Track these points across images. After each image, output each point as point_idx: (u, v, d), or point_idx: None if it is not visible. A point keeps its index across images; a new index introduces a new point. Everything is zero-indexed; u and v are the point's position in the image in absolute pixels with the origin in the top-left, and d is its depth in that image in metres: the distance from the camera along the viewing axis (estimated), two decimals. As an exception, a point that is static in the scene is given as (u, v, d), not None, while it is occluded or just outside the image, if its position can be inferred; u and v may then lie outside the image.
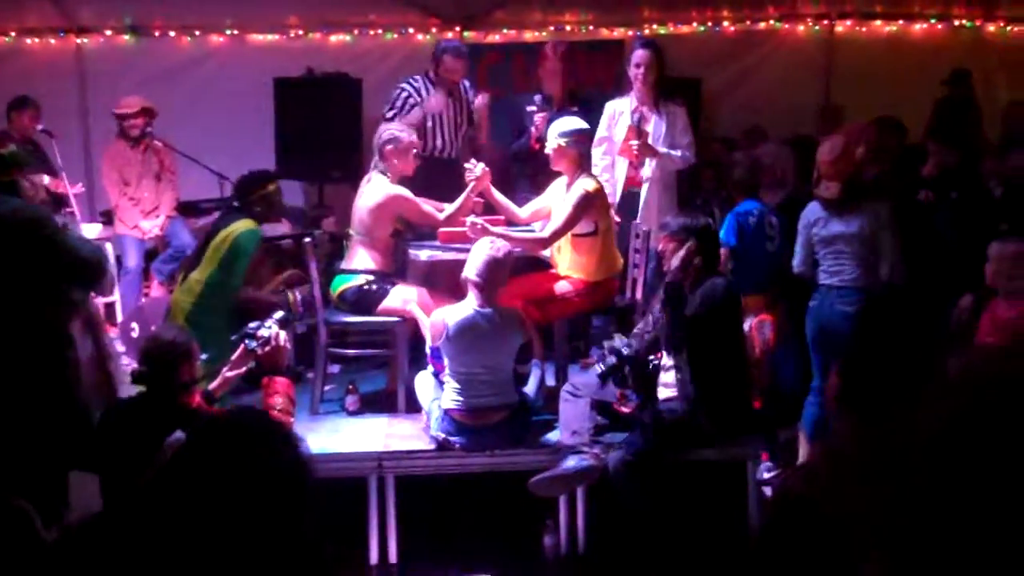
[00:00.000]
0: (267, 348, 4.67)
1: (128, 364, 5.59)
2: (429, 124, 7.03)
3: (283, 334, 4.72)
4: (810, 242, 5.69)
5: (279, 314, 4.89)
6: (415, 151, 6.12)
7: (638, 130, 6.48)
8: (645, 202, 6.53)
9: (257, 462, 3.25)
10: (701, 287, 5.18)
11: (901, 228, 5.63)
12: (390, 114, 6.89)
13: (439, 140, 7.08)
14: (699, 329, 5.13)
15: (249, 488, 2.96)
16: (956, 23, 8.91)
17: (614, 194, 6.57)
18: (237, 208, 6.09)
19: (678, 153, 6.59)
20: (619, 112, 6.67)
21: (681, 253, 5.20)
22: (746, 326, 5.82)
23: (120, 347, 6.37)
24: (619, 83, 7.22)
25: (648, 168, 6.59)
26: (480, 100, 7.22)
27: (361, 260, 6.01)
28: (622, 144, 6.55)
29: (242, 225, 5.94)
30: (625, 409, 5.47)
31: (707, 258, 5.26)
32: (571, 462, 5.18)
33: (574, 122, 6.08)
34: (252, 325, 4.69)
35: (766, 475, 5.65)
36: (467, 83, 7.22)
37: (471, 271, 5.36)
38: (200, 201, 7.95)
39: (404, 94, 6.98)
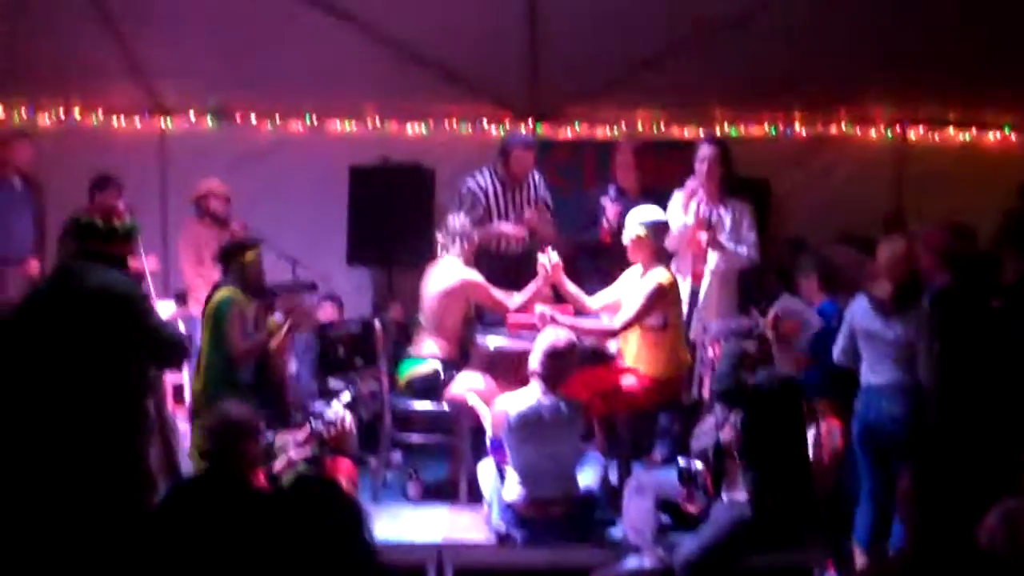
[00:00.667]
0: (333, 431, 4.70)
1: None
2: (493, 217, 7.08)
3: (349, 416, 4.75)
4: (852, 332, 5.63)
5: (346, 396, 4.94)
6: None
7: (708, 222, 6.50)
8: (705, 298, 6.53)
9: (330, 529, 3.29)
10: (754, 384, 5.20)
11: (976, 336, 5.56)
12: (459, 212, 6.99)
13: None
14: (754, 425, 5.11)
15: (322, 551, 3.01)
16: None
17: None
18: (222, 279, 6.23)
19: (744, 250, 6.60)
20: (687, 204, 6.69)
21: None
22: (814, 431, 5.79)
23: (183, 424, 6.42)
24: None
25: (712, 262, 6.59)
26: (530, 215, 7.19)
27: (429, 346, 6.06)
28: (689, 236, 6.55)
29: (218, 295, 6.05)
30: (692, 508, 5.42)
31: (756, 358, 5.27)
32: (633, 561, 5.15)
33: (656, 212, 6.13)
34: (318, 406, 4.73)
35: (831, 583, 5.54)
36: (535, 176, 7.28)
37: (534, 361, 5.38)
38: (272, 285, 8.04)
39: (470, 193, 7.06)
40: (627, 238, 6.07)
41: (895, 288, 5.48)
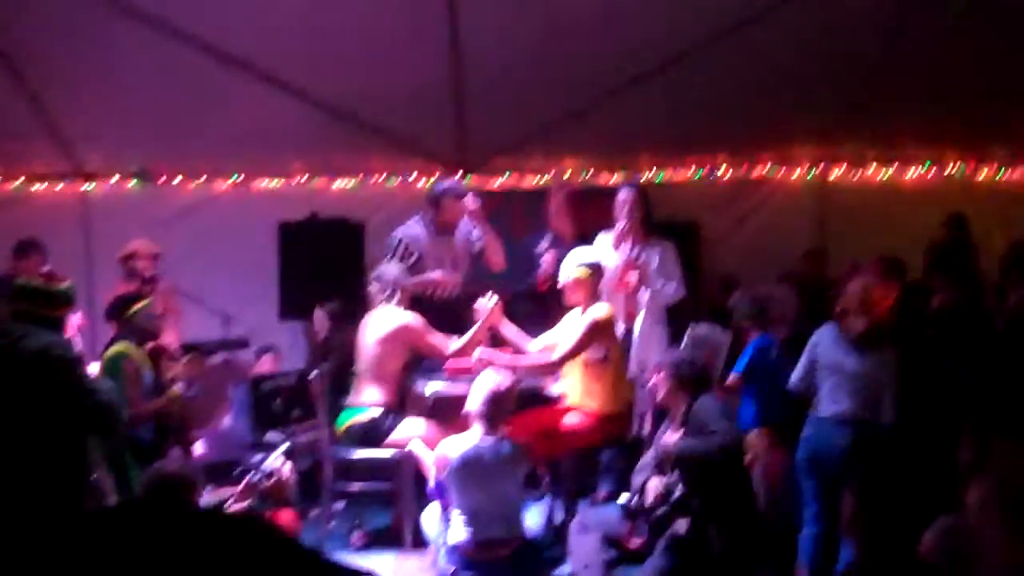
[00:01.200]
0: (271, 481, 4.62)
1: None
2: (427, 264, 7.07)
3: (288, 466, 4.67)
4: (813, 363, 5.70)
5: (284, 446, 4.86)
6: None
7: (635, 263, 6.54)
8: (640, 336, 6.54)
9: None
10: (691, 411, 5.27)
11: (909, 368, 5.68)
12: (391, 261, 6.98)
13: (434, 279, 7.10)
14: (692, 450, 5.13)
15: None
16: (949, 167, 9.08)
17: None
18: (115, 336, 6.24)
19: (671, 287, 6.65)
20: (610, 246, 6.73)
21: (664, 384, 5.39)
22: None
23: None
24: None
25: (643, 301, 6.62)
26: (471, 202, 7.15)
27: (369, 394, 6.00)
28: (618, 278, 6.58)
29: (112, 350, 6.06)
30: (635, 543, 5.39)
31: (692, 386, 5.33)
32: (584, 599, 5.08)
33: (590, 254, 6.18)
34: (256, 458, 4.65)
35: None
36: (467, 224, 7.30)
37: (473, 404, 5.35)
38: (203, 342, 7.94)
39: (400, 244, 7.04)
40: (565, 280, 6.10)
41: (870, 324, 5.59)
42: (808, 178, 9.14)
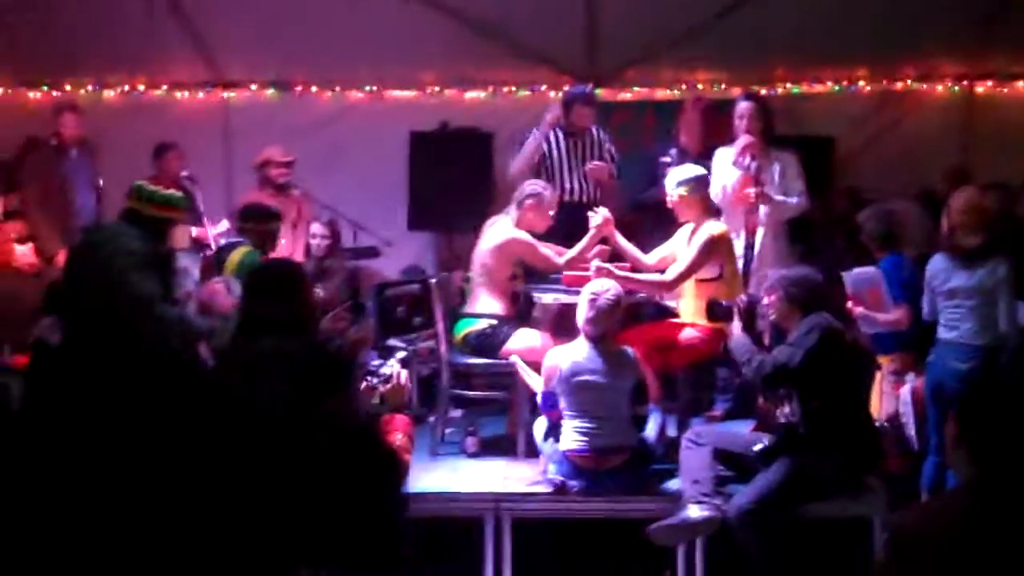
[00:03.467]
0: (389, 385, 4.74)
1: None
2: (556, 167, 7.08)
3: (404, 372, 4.78)
4: (932, 292, 5.62)
5: (401, 353, 4.97)
6: (552, 212, 6.21)
7: (755, 178, 6.40)
8: (759, 251, 6.42)
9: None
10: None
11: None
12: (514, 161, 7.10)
13: (568, 183, 7.11)
14: (803, 371, 5.06)
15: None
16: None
17: None
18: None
19: (793, 199, 6.49)
20: (729, 160, 6.60)
21: (775, 303, 5.30)
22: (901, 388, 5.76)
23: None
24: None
25: (762, 215, 6.50)
26: (592, 166, 7.12)
27: (484, 304, 6.08)
28: (737, 192, 6.47)
29: (241, 253, 6.39)
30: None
31: (803, 305, 5.23)
32: (692, 511, 5.11)
33: (690, 170, 6.11)
34: (375, 363, 4.76)
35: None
36: (598, 130, 7.26)
37: (582, 314, 5.38)
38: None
39: (530, 139, 7.09)
40: (670, 200, 6.05)
41: (976, 239, 5.46)
42: (953, 92, 8.78)
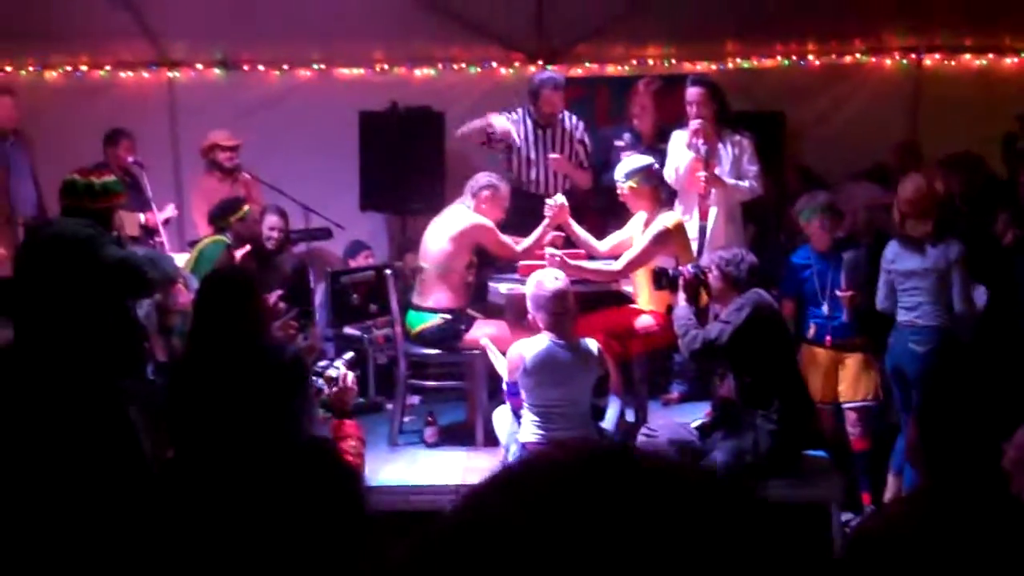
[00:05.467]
0: (335, 389, 4.71)
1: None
2: (523, 158, 7.04)
3: (351, 375, 4.75)
4: (888, 278, 5.74)
5: (349, 354, 4.92)
6: (506, 204, 6.18)
7: (705, 161, 6.39)
8: (711, 234, 6.44)
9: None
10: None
11: (979, 269, 5.64)
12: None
13: (533, 175, 7.08)
14: (732, 347, 5.17)
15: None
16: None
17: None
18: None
19: (745, 183, 6.48)
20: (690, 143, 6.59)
21: (711, 282, 5.44)
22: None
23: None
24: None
25: (714, 198, 6.51)
26: (555, 158, 7.09)
27: (437, 298, 6.03)
28: (688, 175, 6.47)
29: (207, 240, 6.53)
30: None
31: (736, 283, 5.35)
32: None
33: (636, 160, 6.12)
34: (321, 364, 4.71)
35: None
36: (572, 118, 7.21)
37: (534, 306, 5.37)
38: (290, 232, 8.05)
39: (494, 131, 7.02)
40: (621, 193, 6.05)
41: (928, 224, 5.60)
42: (902, 65, 8.83)
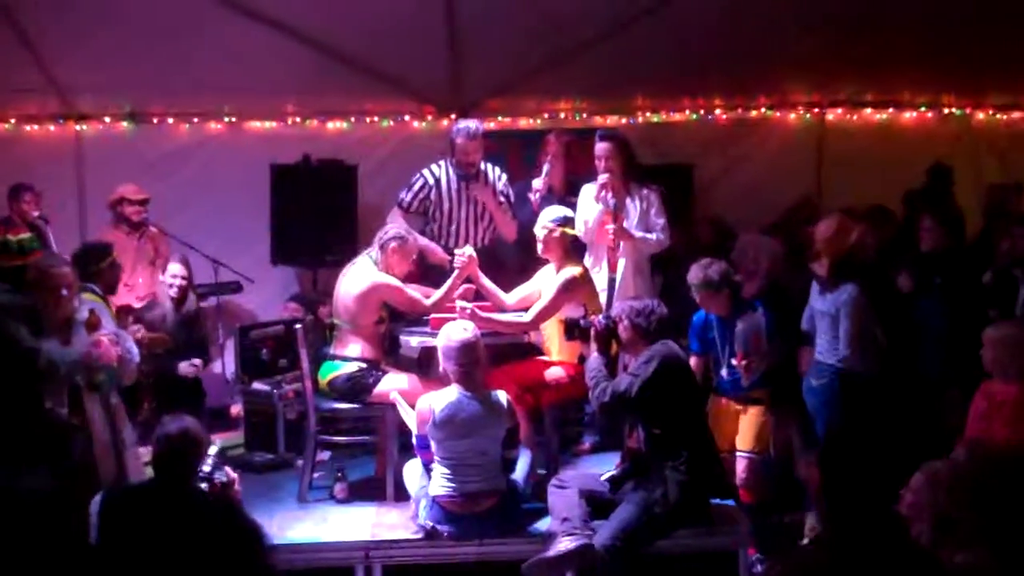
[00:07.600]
0: (216, 488, 4.71)
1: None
2: (446, 214, 7.02)
3: (225, 470, 4.79)
4: (811, 311, 6.04)
5: (214, 448, 4.83)
6: (414, 257, 6.17)
7: (613, 214, 6.45)
8: (620, 285, 6.48)
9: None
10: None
11: (881, 312, 5.84)
12: (403, 194, 6.98)
13: (454, 227, 7.05)
14: (640, 400, 5.23)
15: None
16: (945, 111, 9.03)
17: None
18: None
19: (653, 236, 6.56)
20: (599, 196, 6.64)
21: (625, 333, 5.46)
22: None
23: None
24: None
25: (623, 251, 6.56)
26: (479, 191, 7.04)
27: (351, 348, 6.01)
28: (597, 228, 6.53)
29: None
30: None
31: (646, 334, 5.39)
32: (565, 543, 5.15)
33: (562, 209, 6.16)
34: (206, 470, 4.66)
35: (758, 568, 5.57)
36: (493, 169, 7.13)
37: (445, 359, 5.37)
38: (197, 286, 7.96)
39: (420, 181, 6.99)
40: (541, 239, 6.09)
41: (832, 263, 5.85)
42: (805, 119, 9.06)
